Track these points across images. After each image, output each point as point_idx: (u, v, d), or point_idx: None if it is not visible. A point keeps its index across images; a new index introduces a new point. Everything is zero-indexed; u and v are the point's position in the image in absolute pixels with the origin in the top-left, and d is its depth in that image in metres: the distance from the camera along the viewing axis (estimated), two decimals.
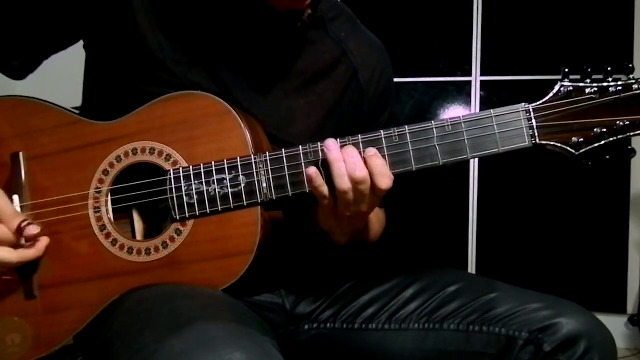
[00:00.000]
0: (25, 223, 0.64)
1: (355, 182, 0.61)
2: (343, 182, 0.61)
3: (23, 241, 0.65)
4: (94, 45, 0.74)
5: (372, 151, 0.62)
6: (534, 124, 0.61)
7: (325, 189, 0.63)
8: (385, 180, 0.62)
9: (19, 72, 0.77)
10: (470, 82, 2.21)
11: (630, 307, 2.14)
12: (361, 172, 0.61)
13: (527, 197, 2.20)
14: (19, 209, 0.70)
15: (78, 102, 0.81)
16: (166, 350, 0.50)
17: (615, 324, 2.12)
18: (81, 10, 0.70)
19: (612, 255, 2.15)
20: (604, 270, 2.15)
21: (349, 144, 0.64)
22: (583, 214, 2.16)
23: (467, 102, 2.22)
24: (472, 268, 2.22)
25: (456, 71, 2.22)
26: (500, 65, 2.20)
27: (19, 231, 0.64)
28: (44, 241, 0.68)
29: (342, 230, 0.70)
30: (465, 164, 2.18)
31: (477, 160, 2.19)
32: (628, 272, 2.14)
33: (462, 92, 2.23)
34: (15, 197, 0.70)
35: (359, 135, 0.64)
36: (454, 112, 2.22)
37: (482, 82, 2.20)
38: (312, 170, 0.62)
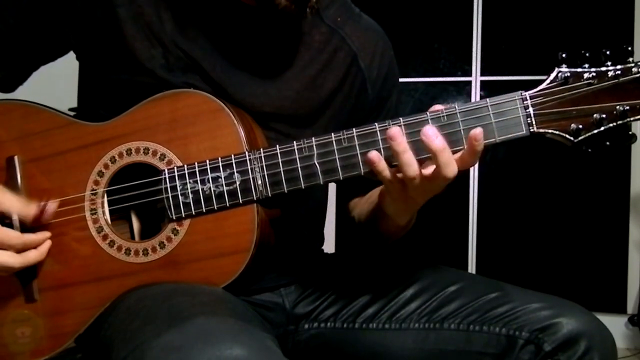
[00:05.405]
0: (42, 204, 0.67)
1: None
2: (411, 170, 0.59)
3: (27, 235, 0.66)
4: (83, 55, 0.74)
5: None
6: (531, 112, 0.60)
7: (388, 173, 0.61)
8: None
9: (5, 84, 0.77)
10: (470, 82, 2.21)
11: (630, 307, 2.13)
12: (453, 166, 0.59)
13: (527, 197, 2.19)
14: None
15: (74, 102, 0.81)
16: (165, 344, 0.50)
17: (615, 324, 2.10)
18: (66, 22, 0.70)
19: (612, 255, 2.14)
20: (604, 270, 2.14)
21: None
22: (583, 214, 2.15)
23: (467, 102, 2.21)
24: (472, 268, 2.21)
25: (456, 71, 2.22)
26: (500, 65, 2.19)
27: (42, 213, 0.66)
28: (45, 244, 0.68)
29: (407, 211, 0.69)
30: None
31: None
32: (628, 272, 2.13)
33: (462, 92, 2.22)
34: None
35: (354, 129, 0.63)
36: None
37: (482, 82, 2.20)
38: (373, 154, 0.61)
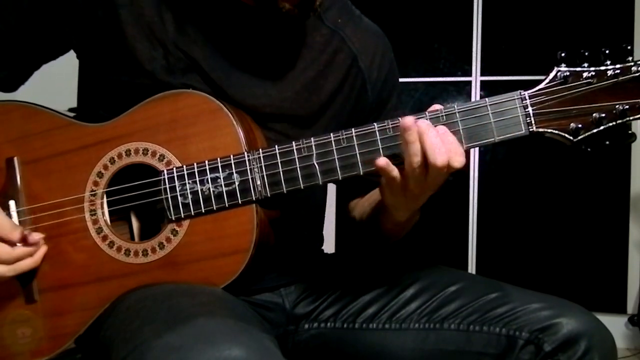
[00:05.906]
0: (27, 231, 0.67)
1: (437, 167, 0.59)
2: (416, 160, 0.59)
3: (20, 248, 0.66)
4: (83, 55, 0.74)
5: (443, 128, 0.60)
6: (530, 111, 0.60)
7: (396, 173, 0.61)
8: (459, 159, 0.59)
9: (7, 84, 0.77)
10: (470, 82, 2.21)
11: (630, 307, 2.12)
12: (443, 157, 0.58)
13: (527, 197, 2.18)
14: (15, 214, 0.70)
15: (74, 102, 0.81)
16: (165, 344, 0.50)
17: (615, 324, 2.09)
18: (67, 22, 0.70)
19: (612, 255, 2.13)
20: (604, 270, 2.13)
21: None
22: (583, 214, 2.15)
23: (467, 102, 2.21)
24: (472, 268, 2.20)
25: (456, 71, 2.22)
26: (500, 65, 2.19)
27: (24, 240, 0.66)
28: (40, 252, 0.68)
29: (407, 207, 0.68)
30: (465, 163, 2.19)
31: (477, 160, 2.18)
32: (628, 272, 2.13)
33: (462, 92, 2.22)
34: (12, 203, 0.70)
35: (352, 130, 0.63)
36: None
37: (482, 82, 2.20)
38: (382, 161, 0.60)
